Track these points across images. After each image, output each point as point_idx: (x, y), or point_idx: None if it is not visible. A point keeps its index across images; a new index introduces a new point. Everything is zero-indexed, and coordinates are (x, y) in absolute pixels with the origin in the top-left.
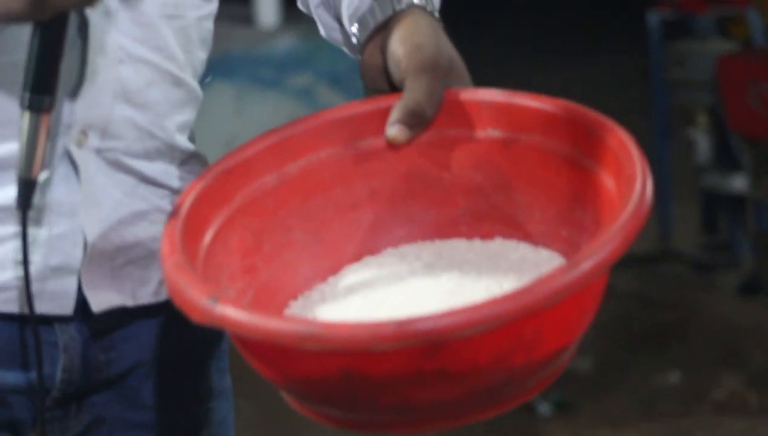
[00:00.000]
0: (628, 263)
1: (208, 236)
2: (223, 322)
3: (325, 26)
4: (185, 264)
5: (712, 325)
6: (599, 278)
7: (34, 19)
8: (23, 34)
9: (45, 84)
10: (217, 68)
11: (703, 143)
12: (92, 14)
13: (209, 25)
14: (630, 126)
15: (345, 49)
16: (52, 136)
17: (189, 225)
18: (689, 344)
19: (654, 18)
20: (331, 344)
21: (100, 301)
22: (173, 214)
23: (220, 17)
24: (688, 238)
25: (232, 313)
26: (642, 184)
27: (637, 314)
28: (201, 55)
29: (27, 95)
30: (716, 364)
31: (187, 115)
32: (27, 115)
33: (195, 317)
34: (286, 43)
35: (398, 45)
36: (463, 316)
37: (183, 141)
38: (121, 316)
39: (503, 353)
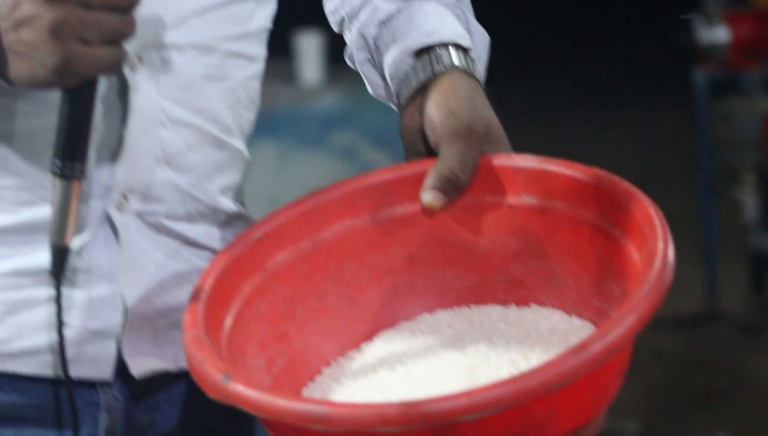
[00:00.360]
0: (675, 324)
1: (235, 306)
2: (235, 399)
3: (371, 83)
4: (204, 338)
5: (760, 387)
6: (614, 357)
7: (60, 86)
8: (54, 98)
9: (75, 151)
10: (261, 127)
11: (750, 203)
12: (132, 77)
13: (257, 84)
14: (676, 185)
15: (392, 106)
16: (92, 200)
17: (214, 296)
18: (737, 406)
19: (700, 76)
20: (337, 426)
21: (141, 366)
22: (198, 287)
23: (264, 75)
24: (735, 298)
25: (243, 391)
26: (662, 262)
27: (684, 375)
28: (249, 116)
29: (57, 162)
30: (764, 426)
31: (230, 177)
32: (58, 182)
33: (210, 393)
34: (330, 101)
35: (434, 109)
36: (467, 399)
37: (226, 203)
38: (164, 377)
39: (513, 433)
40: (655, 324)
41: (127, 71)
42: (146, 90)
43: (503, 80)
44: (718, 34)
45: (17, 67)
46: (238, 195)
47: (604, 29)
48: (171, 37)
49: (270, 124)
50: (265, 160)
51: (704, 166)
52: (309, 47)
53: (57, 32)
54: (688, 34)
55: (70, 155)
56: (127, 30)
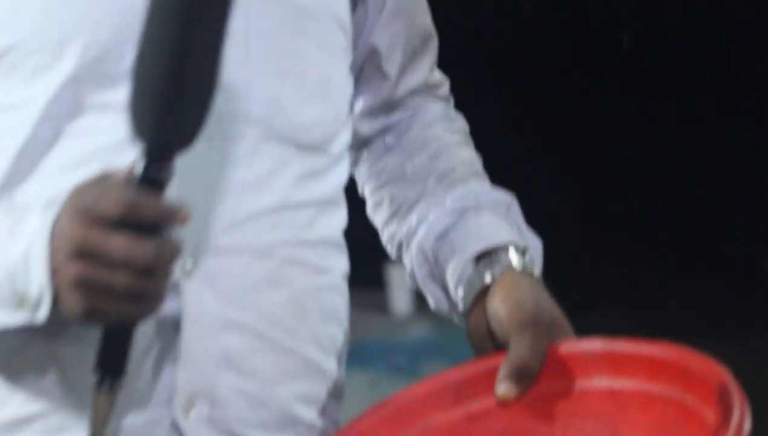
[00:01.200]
0: None
1: None
2: None
3: (433, 297)
4: None
5: None
6: None
7: (91, 325)
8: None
9: (114, 366)
10: (352, 356)
11: None
12: (186, 283)
13: (336, 299)
14: (764, 411)
15: (454, 317)
16: (158, 407)
17: None
18: None
19: None
20: None
21: None
22: None
23: (355, 305)
24: None
25: None
26: (739, 417)
27: None
28: (331, 331)
29: (98, 373)
30: None
31: (306, 387)
32: (97, 392)
33: None
34: (420, 330)
35: (499, 305)
36: None
37: (306, 413)
38: None
39: None
40: None
41: (180, 277)
42: (201, 295)
43: (588, 307)
44: None
45: (60, 301)
46: (325, 410)
47: (690, 261)
48: (225, 241)
49: (361, 354)
50: (356, 390)
51: None
52: (399, 278)
53: (78, 286)
54: None
55: (109, 370)
56: (150, 290)
